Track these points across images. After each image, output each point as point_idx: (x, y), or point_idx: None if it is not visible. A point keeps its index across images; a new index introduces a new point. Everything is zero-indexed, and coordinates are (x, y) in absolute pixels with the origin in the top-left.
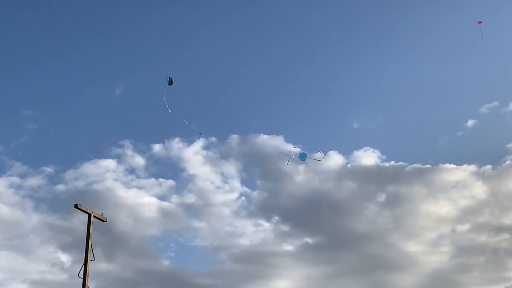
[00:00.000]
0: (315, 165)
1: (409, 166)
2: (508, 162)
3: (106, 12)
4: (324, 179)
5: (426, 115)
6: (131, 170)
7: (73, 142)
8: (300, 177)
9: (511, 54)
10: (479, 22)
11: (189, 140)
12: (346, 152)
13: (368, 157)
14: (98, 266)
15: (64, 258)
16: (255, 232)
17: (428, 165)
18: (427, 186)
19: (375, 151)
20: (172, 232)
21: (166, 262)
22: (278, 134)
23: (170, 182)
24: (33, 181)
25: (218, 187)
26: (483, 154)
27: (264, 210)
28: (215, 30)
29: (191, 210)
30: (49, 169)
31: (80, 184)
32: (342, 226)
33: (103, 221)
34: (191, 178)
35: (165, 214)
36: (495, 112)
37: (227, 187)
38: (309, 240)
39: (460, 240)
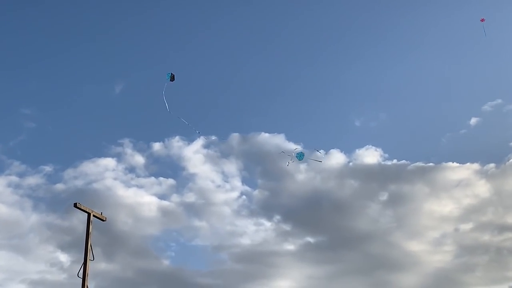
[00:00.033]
0: (316, 164)
1: (412, 165)
2: (511, 160)
3: (105, 10)
4: (325, 177)
5: (428, 113)
6: (131, 169)
7: (72, 141)
8: (301, 175)
9: None
10: (482, 20)
11: (189, 139)
12: (348, 150)
13: (370, 156)
14: (97, 266)
15: (63, 258)
16: (256, 231)
17: (431, 164)
18: (430, 184)
19: (377, 149)
20: (172, 232)
21: (166, 262)
22: (279, 132)
23: (170, 181)
24: (32, 180)
25: (218, 186)
26: (486, 153)
27: (265, 209)
28: (215, 28)
29: (192, 209)
30: (48, 168)
31: (79, 183)
32: (344, 225)
33: (103, 220)
34: (192, 177)
35: (165, 213)
36: (499, 110)
37: (227, 186)
38: (310, 239)
39: (463, 239)
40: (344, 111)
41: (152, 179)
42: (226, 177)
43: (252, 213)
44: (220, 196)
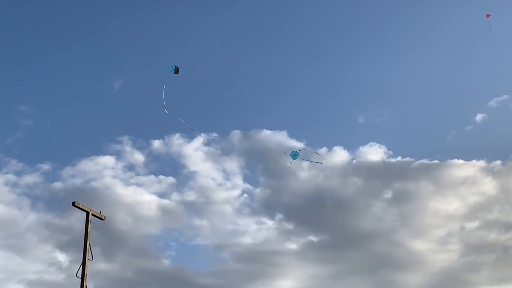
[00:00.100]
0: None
1: (416, 162)
2: None
3: (103, 5)
4: (328, 175)
5: (433, 109)
6: (130, 167)
7: (70, 139)
8: (304, 173)
9: None
10: (488, 15)
11: (189, 136)
12: (351, 147)
13: (374, 153)
14: (96, 265)
15: (62, 257)
16: (258, 230)
17: (436, 161)
18: (435, 182)
19: (381, 146)
20: (172, 231)
21: (166, 262)
22: (281, 129)
23: (171, 179)
24: (29, 178)
25: (219, 184)
26: (492, 149)
27: (267, 207)
28: (216, 24)
29: (192, 208)
30: (45, 166)
31: (77, 181)
32: (348, 224)
33: (102, 219)
34: (192, 175)
35: (165, 212)
36: (505, 106)
37: (229, 184)
38: (313, 238)
39: (469, 238)
40: (347, 107)
41: (152, 177)
42: (227, 175)
43: (254, 212)
44: (221, 195)
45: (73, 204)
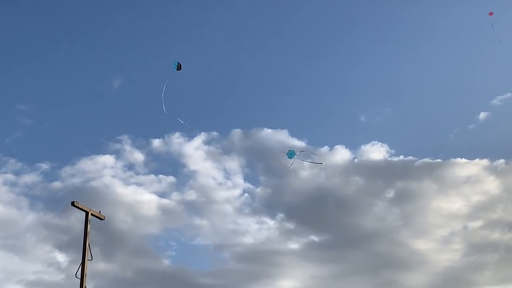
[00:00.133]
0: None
1: (419, 161)
2: None
3: (102, 3)
4: (330, 174)
5: (436, 107)
6: (130, 166)
7: (70, 138)
8: (305, 172)
9: None
10: (491, 13)
11: (189, 135)
12: (353, 146)
13: (376, 152)
14: (96, 266)
15: (61, 258)
16: (259, 230)
17: (438, 160)
18: (438, 181)
19: (384, 145)
20: (172, 231)
21: (166, 262)
22: (282, 128)
23: (171, 179)
24: (28, 178)
25: (220, 184)
26: (495, 148)
27: (268, 207)
28: (217, 22)
29: (192, 208)
30: (44, 166)
31: (77, 181)
32: (349, 223)
33: (101, 219)
34: (192, 174)
35: (165, 211)
36: (508, 104)
37: (229, 183)
38: (315, 238)
39: (472, 238)
40: (349, 105)
41: (152, 176)
42: (227, 174)
43: (255, 211)
44: (222, 194)
45: (72, 203)
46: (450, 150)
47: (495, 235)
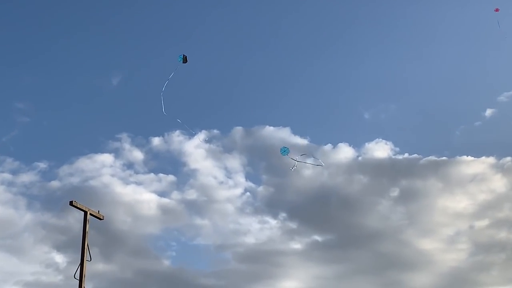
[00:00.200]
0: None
1: (424, 159)
2: None
3: (101, 0)
4: (333, 173)
5: (441, 104)
6: (129, 165)
7: (68, 136)
8: (308, 171)
9: None
10: (497, 10)
11: (190, 133)
12: (357, 144)
13: (380, 150)
14: (95, 266)
15: (59, 258)
16: (260, 229)
17: (444, 158)
18: (443, 179)
19: (388, 143)
20: (173, 230)
21: (166, 262)
22: (284, 125)
23: (171, 178)
24: (26, 177)
25: (221, 183)
26: (502, 145)
27: (270, 206)
28: (218, 19)
29: (193, 207)
30: (42, 165)
31: (75, 180)
32: (353, 222)
33: (100, 219)
34: (193, 173)
35: (165, 211)
36: None
37: (230, 182)
38: (318, 237)
39: (478, 237)
40: (352, 103)
41: (152, 175)
42: (229, 173)
43: (257, 211)
44: (223, 193)
45: (71, 203)
46: (456, 147)
47: (502, 235)
